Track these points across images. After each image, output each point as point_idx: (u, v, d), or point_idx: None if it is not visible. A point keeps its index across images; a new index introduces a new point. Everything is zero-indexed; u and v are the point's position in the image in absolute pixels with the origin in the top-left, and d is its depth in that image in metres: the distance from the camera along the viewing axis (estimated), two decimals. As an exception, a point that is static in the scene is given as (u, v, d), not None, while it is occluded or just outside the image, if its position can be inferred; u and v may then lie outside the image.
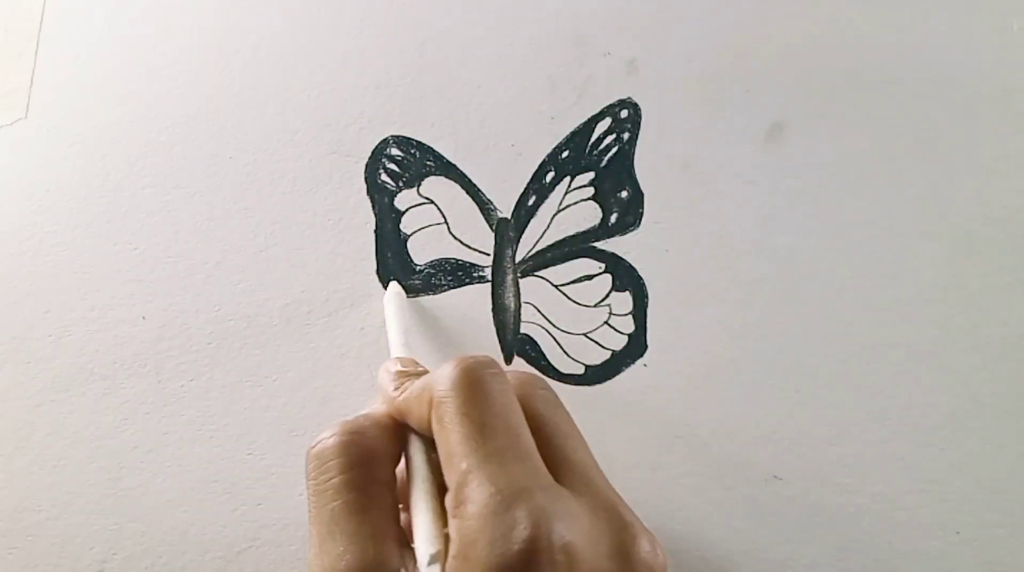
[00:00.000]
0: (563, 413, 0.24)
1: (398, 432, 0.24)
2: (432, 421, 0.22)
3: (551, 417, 0.23)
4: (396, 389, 0.24)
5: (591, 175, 0.36)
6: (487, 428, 0.21)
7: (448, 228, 0.36)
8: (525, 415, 0.22)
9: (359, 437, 0.23)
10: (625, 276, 0.35)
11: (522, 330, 0.35)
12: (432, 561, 0.19)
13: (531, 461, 0.21)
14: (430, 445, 0.23)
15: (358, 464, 0.22)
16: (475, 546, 0.19)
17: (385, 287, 0.35)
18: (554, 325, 0.35)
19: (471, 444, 0.20)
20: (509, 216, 0.36)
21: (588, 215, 0.36)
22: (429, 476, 0.22)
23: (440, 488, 0.22)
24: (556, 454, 0.22)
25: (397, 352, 0.29)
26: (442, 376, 0.22)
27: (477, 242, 0.35)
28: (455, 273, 0.35)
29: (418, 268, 0.35)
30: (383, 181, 0.36)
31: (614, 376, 0.34)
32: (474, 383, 0.22)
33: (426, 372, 0.25)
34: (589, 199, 0.36)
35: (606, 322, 0.35)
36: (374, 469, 0.22)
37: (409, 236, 0.35)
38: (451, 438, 0.21)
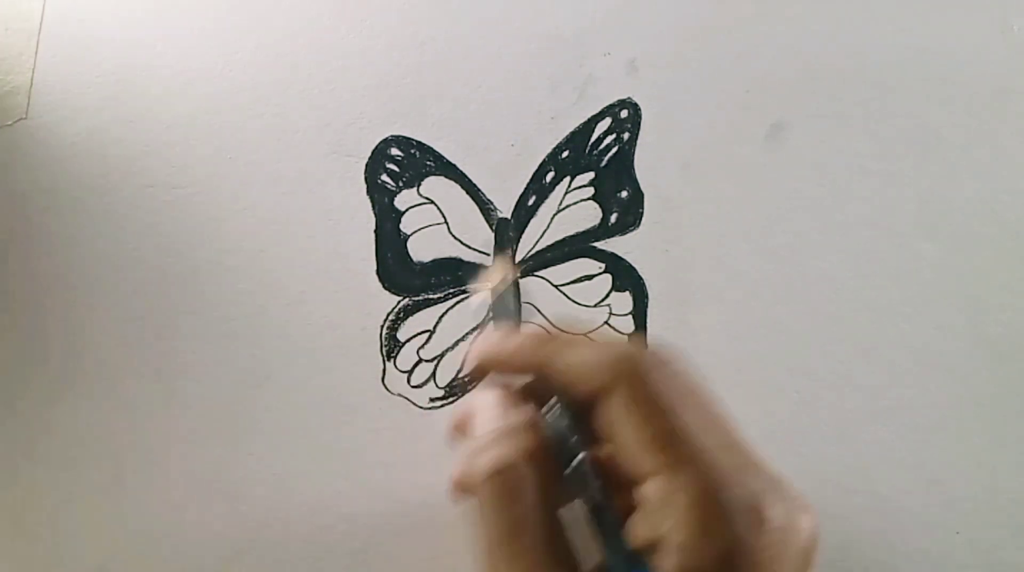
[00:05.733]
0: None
1: (548, 463, 0.23)
2: (625, 393, 0.21)
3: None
4: (560, 345, 0.23)
5: (591, 175, 0.36)
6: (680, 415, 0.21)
7: (448, 228, 0.36)
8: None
9: (503, 477, 0.22)
10: (625, 276, 0.35)
11: (522, 330, 0.35)
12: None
13: (737, 446, 0.21)
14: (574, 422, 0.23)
15: (509, 505, 0.21)
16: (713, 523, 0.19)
17: (386, 287, 0.35)
18: (554, 325, 0.35)
19: (675, 436, 0.21)
20: (509, 216, 0.36)
21: (588, 215, 0.36)
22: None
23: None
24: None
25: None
26: (646, 359, 0.22)
27: (477, 242, 0.35)
28: (455, 273, 0.35)
29: (418, 268, 0.35)
30: (383, 181, 0.36)
31: (614, 376, 0.34)
32: (673, 373, 0.22)
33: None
34: (589, 199, 0.36)
35: (606, 322, 0.35)
36: (524, 504, 0.21)
37: (409, 236, 0.35)
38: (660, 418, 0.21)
